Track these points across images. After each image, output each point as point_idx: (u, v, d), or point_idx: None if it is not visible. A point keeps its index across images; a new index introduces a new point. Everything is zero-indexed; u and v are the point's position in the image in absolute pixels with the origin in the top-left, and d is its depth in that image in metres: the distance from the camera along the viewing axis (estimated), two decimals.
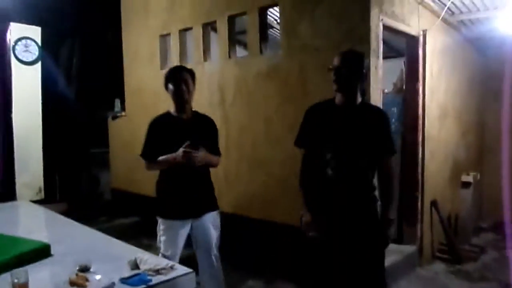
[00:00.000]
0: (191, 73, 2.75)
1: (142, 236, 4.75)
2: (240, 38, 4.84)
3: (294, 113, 3.40)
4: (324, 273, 2.29)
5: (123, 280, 1.94)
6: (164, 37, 5.16)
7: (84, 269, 2.07)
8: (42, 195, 5.20)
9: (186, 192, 2.67)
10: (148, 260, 2.13)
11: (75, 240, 2.90)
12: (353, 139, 2.31)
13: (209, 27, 4.55)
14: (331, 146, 2.32)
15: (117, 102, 6.05)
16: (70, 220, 3.54)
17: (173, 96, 2.72)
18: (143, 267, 2.07)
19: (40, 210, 4.13)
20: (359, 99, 2.35)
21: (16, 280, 1.75)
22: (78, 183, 6.42)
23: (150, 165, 2.78)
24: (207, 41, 4.53)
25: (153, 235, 4.61)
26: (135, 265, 2.13)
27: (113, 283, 1.91)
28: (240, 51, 4.72)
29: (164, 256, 2.51)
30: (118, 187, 6.12)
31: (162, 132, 2.76)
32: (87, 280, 1.92)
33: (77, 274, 1.98)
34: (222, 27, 4.21)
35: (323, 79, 3.15)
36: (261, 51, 3.87)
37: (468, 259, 4.02)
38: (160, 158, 2.68)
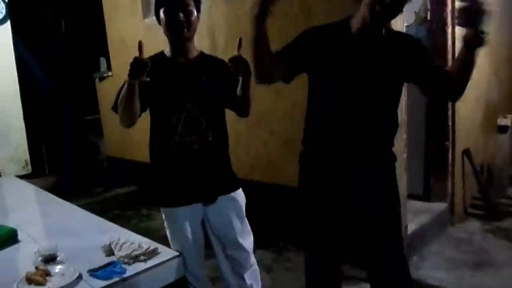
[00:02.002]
0: None
1: (141, 205, 4.56)
2: None
3: None
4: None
5: (92, 273, 1.65)
6: None
7: (49, 259, 1.80)
8: (29, 169, 4.95)
9: (191, 171, 1.92)
10: (124, 244, 1.84)
11: (49, 221, 2.65)
12: (375, 89, 1.74)
13: None
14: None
15: (103, 61, 5.65)
16: (52, 197, 3.31)
17: (165, 30, 1.88)
18: (118, 253, 1.78)
19: (23, 187, 3.90)
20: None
21: None
22: (72, 153, 6.18)
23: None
24: None
25: (153, 204, 4.42)
26: (109, 251, 1.84)
27: (80, 277, 1.63)
28: None
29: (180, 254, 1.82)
30: (113, 154, 5.88)
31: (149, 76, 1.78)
32: (48, 274, 1.63)
33: (37, 268, 1.69)
34: None
35: (332, 7, 2.71)
36: None
37: (505, 214, 3.69)
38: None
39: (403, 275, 1.83)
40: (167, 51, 1.96)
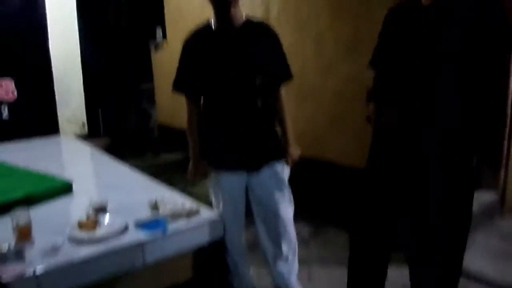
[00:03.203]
0: None
1: (186, 172, 4.68)
2: None
3: (351, 31, 2.91)
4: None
5: (138, 224, 1.75)
6: None
7: (100, 209, 1.92)
8: (85, 130, 5.23)
9: (239, 138, 1.96)
10: (169, 202, 1.93)
11: (101, 178, 2.82)
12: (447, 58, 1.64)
13: None
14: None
15: (158, 30, 5.78)
16: (106, 157, 3.50)
17: None
18: (162, 210, 1.87)
19: (79, 146, 4.14)
20: None
21: (15, 222, 1.60)
22: (125, 118, 6.44)
23: (189, 108, 2.04)
24: None
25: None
26: (155, 207, 1.94)
27: (126, 227, 1.73)
28: None
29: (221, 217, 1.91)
30: (164, 122, 6.07)
31: (197, 54, 1.96)
32: (97, 223, 1.75)
33: (88, 217, 1.82)
34: None
35: None
36: None
37: None
38: (191, 143, 2.08)
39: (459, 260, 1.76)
40: (213, 21, 1.95)
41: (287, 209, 2.04)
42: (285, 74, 2.04)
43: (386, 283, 1.98)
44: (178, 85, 2.04)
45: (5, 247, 1.52)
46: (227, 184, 2.02)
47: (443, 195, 1.69)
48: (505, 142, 3.34)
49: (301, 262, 2.19)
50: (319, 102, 3.35)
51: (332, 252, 2.69)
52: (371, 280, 1.94)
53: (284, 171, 2.04)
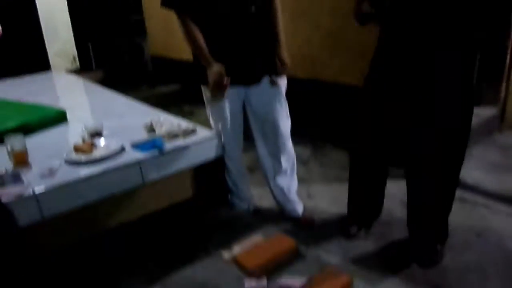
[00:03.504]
0: None
1: (183, 103, 4.65)
2: None
3: None
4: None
5: (135, 145, 1.74)
6: None
7: (94, 134, 1.90)
8: (77, 64, 5.11)
9: (237, 51, 1.86)
10: (165, 123, 1.91)
11: (95, 106, 2.79)
12: None
13: None
14: None
15: None
16: (99, 87, 3.44)
17: None
18: (158, 131, 1.85)
19: (72, 79, 4.07)
20: None
21: (9, 148, 1.59)
22: (117, 51, 6.26)
23: (184, 22, 1.81)
24: None
25: (195, 101, 4.42)
26: (151, 129, 1.92)
27: (123, 148, 1.72)
28: None
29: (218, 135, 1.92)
30: (156, 53, 5.90)
31: None
32: (93, 146, 1.74)
33: (83, 140, 1.80)
34: None
35: None
36: None
37: None
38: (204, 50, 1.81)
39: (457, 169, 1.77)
40: None
41: (285, 123, 2.01)
42: None
43: (385, 199, 2.01)
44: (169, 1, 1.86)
45: (2, 171, 1.52)
46: (227, 101, 1.95)
47: (445, 106, 1.65)
48: (508, 55, 3.26)
49: (301, 180, 2.22)
50: (315, 18, 3.20)
51: (329, 169, 2.71)
52: (370, 194, 1.97)
53: (283, 83, 1.99)
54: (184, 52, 4.98)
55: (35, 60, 4.67)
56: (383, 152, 1.87)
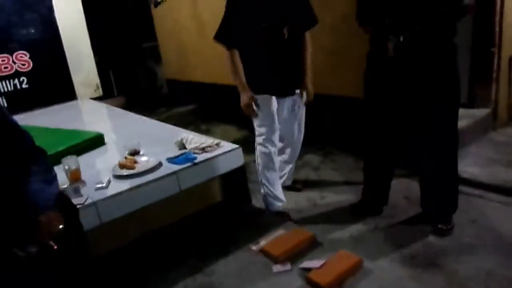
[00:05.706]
0: None
1: (199, 121, 4.90)
2: None
3: None
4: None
5: (170, 160, 2.00)
6: None
7: (134, 152, 2.17)
8: (100, 92, 5.41)
9: (276, 70, 2.21)
10: (193, 139, 2.17)
11: (127, 129, 3.06)
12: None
13: None
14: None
15: None
16: (125, 112, 3.72)
17: None
18: (189, 146, 2.11)
19: (98, 106, 4.37)
20: None
21: (67, 167, 1.85)
22: (134, 77, 6.59)
23: (231, 55, 2.15)
24: None
25: (210, 120, 4.74)
26: (182, 145, 2.18)
27: (160, 163, 1.97)
28: None
29: (260, 135, 2.21)
30: (171, 77, 6.20)
31: (242, 7, 2.14)
32: (135, 162, 2.00)
33: (126, 158, 2.06)
34: None
35: None
36: None
37: None
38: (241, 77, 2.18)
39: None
40: None
41: (301, 134, 2.42)
42: (311, 21, 2.37)
43: (390, 193, 2.25)
44: (220, 36, 2.17)
45: (64, 186, 1.78)
46: (268, 104, 2.23)
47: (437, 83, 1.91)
48: (495, 61, 3.48)
49: (313, 184, 2.47)
50: (318, 39, 3.45)
51: (339, 174, 2.93)
52: (379, 187, 2.22)
53: (304, 101, 2.36)
54: (196, 74, 5.27)
55: (62, 90, 5.00)
56: (389, 152, 2.14)
